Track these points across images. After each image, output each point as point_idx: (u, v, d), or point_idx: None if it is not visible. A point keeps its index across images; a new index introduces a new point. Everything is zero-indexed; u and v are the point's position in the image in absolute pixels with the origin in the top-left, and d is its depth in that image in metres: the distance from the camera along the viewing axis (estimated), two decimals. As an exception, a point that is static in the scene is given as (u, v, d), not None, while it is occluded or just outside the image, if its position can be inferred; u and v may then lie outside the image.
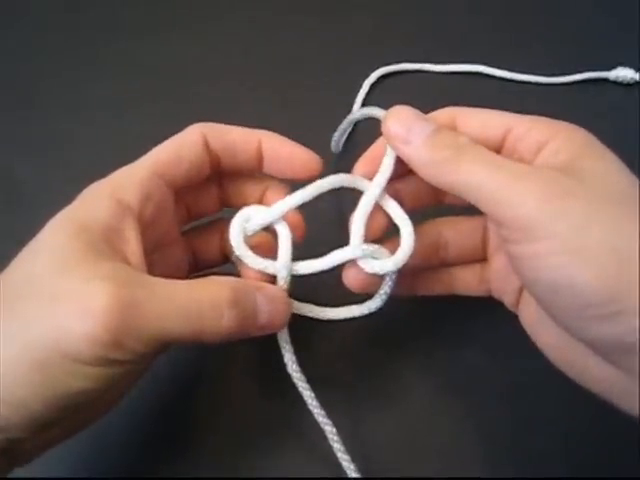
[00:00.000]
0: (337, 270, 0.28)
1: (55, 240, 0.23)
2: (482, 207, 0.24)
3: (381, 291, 0.28)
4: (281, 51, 0.46)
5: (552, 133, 0.25)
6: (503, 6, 0.49)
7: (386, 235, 0.28)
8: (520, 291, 0.28)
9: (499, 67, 0.45)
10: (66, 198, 0.25)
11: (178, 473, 0.31)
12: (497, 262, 0.30)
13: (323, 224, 0.31)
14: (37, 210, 0.25)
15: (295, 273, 0.27)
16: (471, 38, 0.47)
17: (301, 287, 0.28)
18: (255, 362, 0.34)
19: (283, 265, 0.27)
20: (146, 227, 0.25)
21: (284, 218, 0.27)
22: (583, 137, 0.25)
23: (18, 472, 0.24)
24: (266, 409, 0.32)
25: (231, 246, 0.27)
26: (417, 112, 0.26)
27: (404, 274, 0.28)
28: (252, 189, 0.30)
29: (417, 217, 0.28)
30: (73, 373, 0.21)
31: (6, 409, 0.21)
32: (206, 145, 0.27)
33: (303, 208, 0.28)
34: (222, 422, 0.32)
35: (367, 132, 0.28)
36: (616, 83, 0.45)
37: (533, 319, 0.28)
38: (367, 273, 0.27)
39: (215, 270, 0.31)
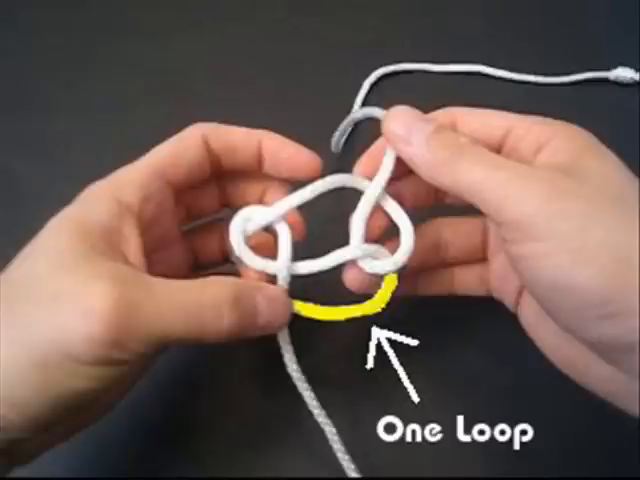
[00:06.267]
0: (337, 270, 0.28)
1: (55, 240, 0.23)
2: (482, 207, 0.24)
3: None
4: (282, 51, 0.46)
5: (552, 133, 0.25)
6: (503, 6, 0.49)
7: (386, 235, 0.28)
8: (520, 291, 0.28)
9: (499, 67, 0.45)
10: (66, 198, 0.25)
11: (178, 473, 0.31)
12: (497, 262, 0.30)
13: (323, 224, 0.31)
14: (37, 210, 0.24)
15: (295, 273, 0.27)
16: (471, 38, 0.47)
17: (301, 287, 0.28)
18: (255, 362, 0.34)
19: (283, 265, 0.27)
20: (146, 227, 0.25)
21: (284, 218, 0.27)
22: (583, 137, 0.25)
23: (18, 472, 0.24)
24: (266, 409, 0.32)
25: (231, 246, 0.27)
26: (417, 112, 0.26)
27: (404, 274, 0.28)
28: (252, 189, 0.30)
29: (417, 217, 0.28)
30: (74, 373, 0.21)
31: (7, 409, 0.21)
32: (206, 145, 0.27)
33: (303, 208, 0.28)
34: (222, 422, 0.32)
35: (367, 132, 0.28)
36: (616, 83, 0.45)
37: (533, 319, 0.28)
38: (367, 273, 0.27)
39: (215, 270, 0.31)
